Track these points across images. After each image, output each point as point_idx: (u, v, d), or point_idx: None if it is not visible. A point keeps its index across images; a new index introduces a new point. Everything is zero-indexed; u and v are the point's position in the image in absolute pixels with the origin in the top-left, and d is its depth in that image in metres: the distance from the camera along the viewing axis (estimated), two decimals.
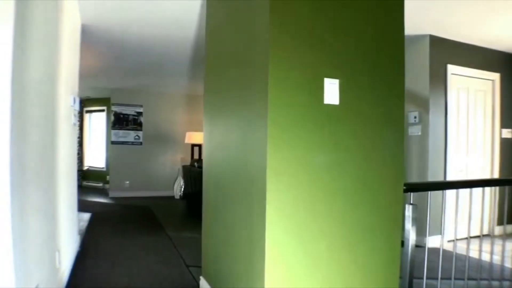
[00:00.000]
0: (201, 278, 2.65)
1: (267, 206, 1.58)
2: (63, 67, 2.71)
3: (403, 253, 1.85)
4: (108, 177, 7.92)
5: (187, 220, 5.38)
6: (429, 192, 2.15)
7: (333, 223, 1.69)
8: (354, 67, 1.75)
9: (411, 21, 3.51)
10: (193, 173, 5.59)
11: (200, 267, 2.79)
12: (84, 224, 4.73)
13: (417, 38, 4.00)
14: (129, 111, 7.67)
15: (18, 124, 1.49)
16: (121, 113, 7.62)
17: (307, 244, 1.65)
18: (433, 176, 3.90)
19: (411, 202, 1.91)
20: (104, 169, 8.56)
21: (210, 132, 2.58)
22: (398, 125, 1.82)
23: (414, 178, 4.06)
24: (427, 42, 3.94)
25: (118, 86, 7.36)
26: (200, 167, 4.04)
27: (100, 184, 8.64)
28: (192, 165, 6.06)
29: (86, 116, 9.07)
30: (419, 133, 4.02)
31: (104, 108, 8.61)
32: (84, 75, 5.11)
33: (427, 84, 3.95)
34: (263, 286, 1.59)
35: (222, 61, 2.34)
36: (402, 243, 1.85)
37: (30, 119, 1.76)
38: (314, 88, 1.67)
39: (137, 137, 7.72)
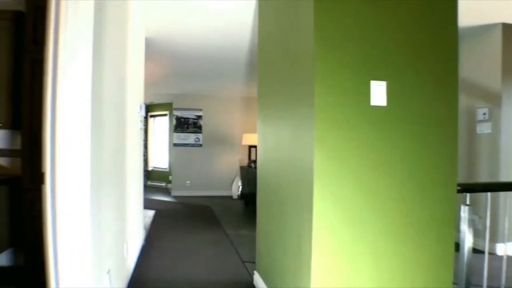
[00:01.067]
0: (255, 272, 2.76)
1: (314, 204, 1.62)
2: (131, 78, 2.99)
3: (458, 257, 1.75)
4: (170, 177, 8.44)
5: (244, 219, 5.54)
6: (488, 193, 1.99)
7: (380, 221, 1.67)
8: (403, 67, 1.70)
9: (480, 10, 3.25)
10: (250, 173, 5.74)
11: (254, 262, 2.91)
12: (149, 220, 5.13)
13: (487, 27, 3.68)
14: (190, 115, 8.09)
15: (96, 130, 1.71)
16: (182, 117, 8.07)
17: (352, 240, 1.65)
18: (507, 177, 3.56)
19: (468, 203, 1.80)
20: (167, 170, 9.11)
21: (263, 134, 2.67)
22: (451, 124, 1.72)
23: (483, 179, 3.74)
24: (499, 31, 3.61)
25: (179, 92, 7.82)
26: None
27: (163, 184, 9.20)
28: (249, 166, 6.23)
29: (151, 121, 9.73)
30: (489, 131, 3.70)
31: (167, 112, 9.16)
32: (148, 83, 5.53)
33: (499, 78, 3.62)
34: (309, 277, 1.63)
35: (273, 65, 2.42)
36: (457, 247, 1.75)
37: (105, 125, 1.99)
38: (360, 90, 1.66)
39: (197, 139, 8.10)
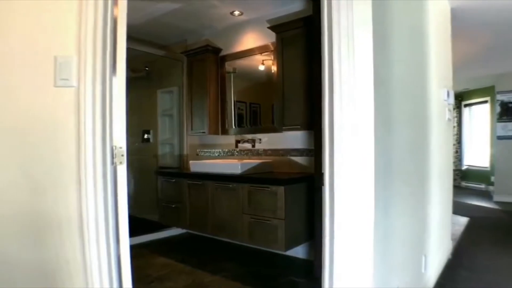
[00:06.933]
0: None
1: None
2: (433, 59, 2.57)
3: None
4: (492, 177, 6.95)
5: None
6: None
7: None
8: None
9: None
10: None
11: None
12: (459, 229, 4.35)
13: None
14: None
15: (382, 126, 1.51)
16: (509, 102, 6.45)
17: None
18: None
19: None
20: (487, 169, 7.61)
21: None
22: None
23: None
24: None
25: (504, 70, 6.25)
26: None
27: (482, 186, 7.78)
28: None
29: (465, 111, 8.48)
30: None
31: (487, 99, 7.65)
32: (458, 66, 4.73)
33: None
34: None
35: None
36: None
37: (395, 119, 1.76)
38: None
39: None
